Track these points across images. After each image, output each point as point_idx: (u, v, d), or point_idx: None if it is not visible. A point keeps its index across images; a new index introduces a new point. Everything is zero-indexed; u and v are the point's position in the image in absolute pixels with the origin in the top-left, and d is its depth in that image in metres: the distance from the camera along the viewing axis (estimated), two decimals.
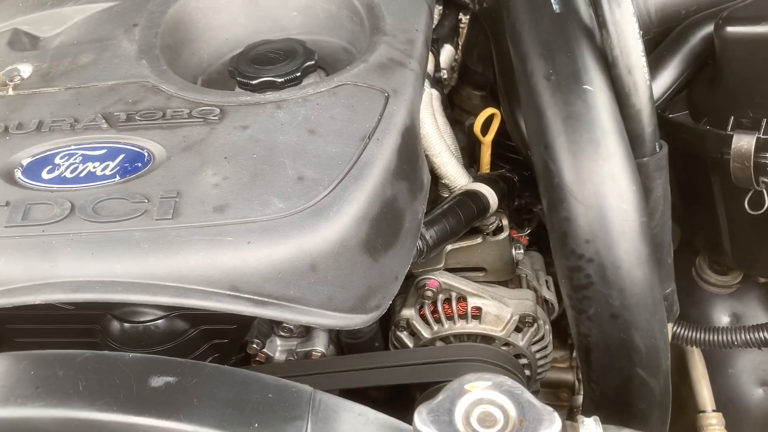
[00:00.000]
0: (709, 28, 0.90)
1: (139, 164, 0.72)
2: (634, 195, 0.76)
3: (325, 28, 0.96)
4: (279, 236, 0.64)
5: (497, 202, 0.91)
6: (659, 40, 0.99)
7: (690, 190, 1.08)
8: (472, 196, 0.88)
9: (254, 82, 0.83)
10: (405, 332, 1.00)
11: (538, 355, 1.01)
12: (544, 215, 0.86)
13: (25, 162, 0.75)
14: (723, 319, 1.23)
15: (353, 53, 0.93)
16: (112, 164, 0.73)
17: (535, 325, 0.97)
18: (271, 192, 0.67)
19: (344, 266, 0.67)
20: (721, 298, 1.22)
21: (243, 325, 0.91)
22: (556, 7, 0.84)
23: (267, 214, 0.65)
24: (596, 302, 0.77)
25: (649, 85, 0.79)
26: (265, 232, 0.65)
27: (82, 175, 0.73)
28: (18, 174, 0.74)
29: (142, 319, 0.86)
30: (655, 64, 0.94)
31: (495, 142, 1.06)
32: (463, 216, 0.86)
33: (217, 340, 0.89)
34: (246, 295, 0.65)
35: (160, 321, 0.87)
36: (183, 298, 0.64)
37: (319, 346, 0.97)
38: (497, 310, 0.96)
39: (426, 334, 0.98)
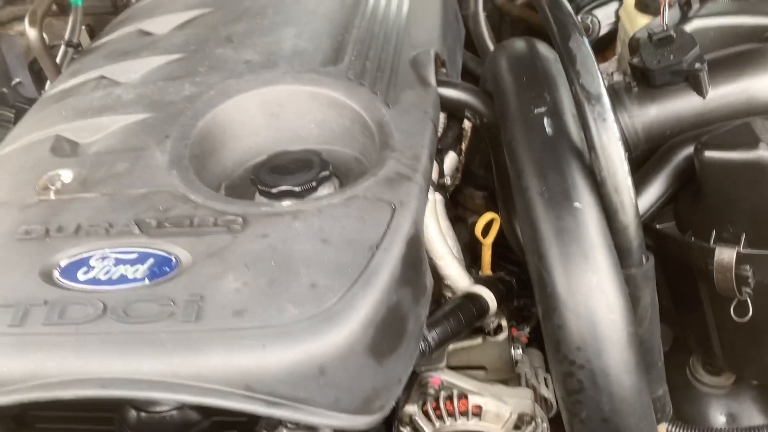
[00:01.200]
0: (691, 149, 0.98)
1: (167, 268, 0.79)
2: (622, 306, 0.82)
3: (339, 140, 1.05)
4: (292, 341, 0.70)
5: (496, 304, 0.97)
6: (647, 156, 1.08)
7: (679, 294, 1.13)
8: (472, 298, 0.95)
9: (274, 190, 0.91)
10: (408, 428, 1.04)
11: None
12: None
13: (63, 263, 0.82)
14: (719, 418, 1.26)
15: (364, 163, 1.01)
16: (142, 268, 0.80)
17: (533, 423, 1.01)
18: (287, 298, 0.73)
19: (351, 369, 0.72)
20: (716, 398, 1.25)
21: (253, 418, 0.95)
22: (549, 130, 0.93)
23: (282, 320, 0.72)
24: (588, 406, 0.82)
25: (635, 203, 0.87)
26: (279, 337, 0.71)
27: (114, 277, 0.79)
28: (56, 274, 0.81)
29: (158, 409, 0.91)
30: (642, 180, 1.01)
31: (495, 243, 1.13)
32: (463, 318, 0.92)
33: (228, 431, 0.94)
34: (260, 396, 0.70)
35: (174, 411, 0.92)
36: (202, 397, 0.70)
37: None
38: (497, 409, 1.00)
39: (428, 430, 1.02)
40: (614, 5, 1.62)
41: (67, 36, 1.69)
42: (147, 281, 0.78)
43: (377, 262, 0.78)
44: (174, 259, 0.80)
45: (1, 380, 0.73)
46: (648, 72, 1.03)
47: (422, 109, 1.02)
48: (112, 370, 0.71)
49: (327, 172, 0.94)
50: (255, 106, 1.05)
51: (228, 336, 0.71)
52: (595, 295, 0.81)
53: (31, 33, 1.53)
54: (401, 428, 1.04)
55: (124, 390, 0.70)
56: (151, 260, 0.80)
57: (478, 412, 1.00)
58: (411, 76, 1.09)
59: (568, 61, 0.91)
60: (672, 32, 1.05)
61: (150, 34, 1.30)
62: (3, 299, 0.78)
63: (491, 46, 1.55)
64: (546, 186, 0.87)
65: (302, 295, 0.74)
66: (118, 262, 0.81)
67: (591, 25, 1.57)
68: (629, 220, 0.87)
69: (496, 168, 1.08)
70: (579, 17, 1.60)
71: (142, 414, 0.90)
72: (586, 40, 0.93)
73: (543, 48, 1.10)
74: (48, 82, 1.73)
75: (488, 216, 1.09)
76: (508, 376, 1.04)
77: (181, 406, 0.92)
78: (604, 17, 1.58)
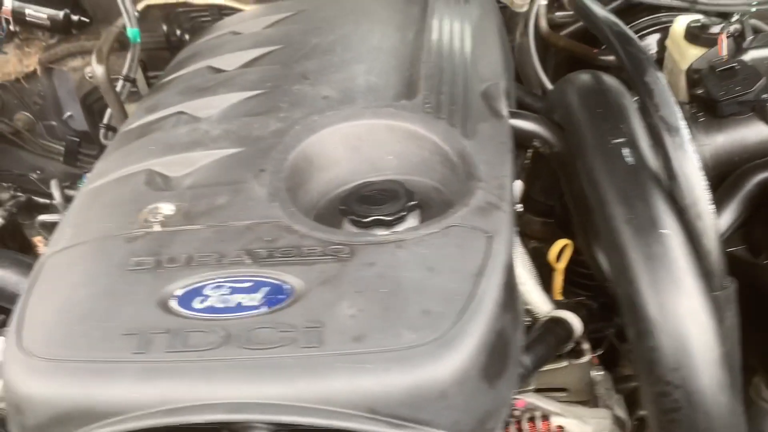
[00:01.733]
0: (763, 175, 1.02)
1: (282, 296, 0.83)
2: (713, 327, 0.85)
3: (416, 170, 1.09)
4: (413, 365, 0.74)
5: (581, 328, 1.00)
6: (714, 182, 1.12)
7: (746, 315, 1.17)
8: (558, 323, 0.98)
9: (366, 220, 0.96)
10: None
11: None
12: (616, 340, 0.95)
13: (178, 293, 0.86)
14: None
15: (444, 193, 1.05)
16: (257, 296, 0.83)
17: None
18: (402, 324, 0.77)
19: (468, 393, 0.76)
20: None
21: None
22: (629, 159, 0.97)
23: (400, 345, 0.75)
24: (683, 425, 0.85)
25: (717, 229, 0.91)
26: (400, 361, 0.74)
27: (231, 305, 0.83)
28: (173, 304, 0.85)
29: None
30: (716, 206, 1.05)
31: (566, 269, 1.17)
32: (555, 342, 0.95)
33: None
34: (383, 418, 0.74)
35: None
36: (329, 419, 0.73)
37: None
38: (579, 429, 1.03)
39: None
40: (655, 36, 1.67)
41: (125, 71, 1.75)
42: (265, 308, 0.82)
43: (482, 289, 0.81)
44: (288, 287, 0.84)
45: (130, 405, 0.77)
46: (715, 103, 1.07)
47: (499, 140, 1.07)
48: (239, 395, 0.75)
49: (415, 202, 0.99)
50: (337, 140, 1.10)
51: (350, 360, 0.75)
52: (688, 318, 0.85)
53: (98, 69, 1.59)
54: None
55: (253, 414, 0.74)
56: (265, 288, 0.84)
57: None
58: (483, 109, 1.13)
59: (646, 94, 0.96)
60: (735, 64, 1.10)
61: (220, 70, 1.36)
62: (125, 328, 0.82)
63: (543, 77, 1.61)
64: (633, 214, 0.91)
65: (417, 322, 0.77)
66: (234, 290, 0.85)
67: None
68: (712, 245, 0.91)
69: (571, 195, 1.12)
70: None
71: None
72: (661, 74, 0.98)
73: (610, 80, 1.15)
74: (108, 115, 1.79)
75: (561, 242, 1.13)
76: (587, 397, 1.07)
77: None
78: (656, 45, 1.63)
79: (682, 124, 0.93)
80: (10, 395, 0.83)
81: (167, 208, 0.99)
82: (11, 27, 1.89)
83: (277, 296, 0.83)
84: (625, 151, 0.98)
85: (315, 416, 0.73)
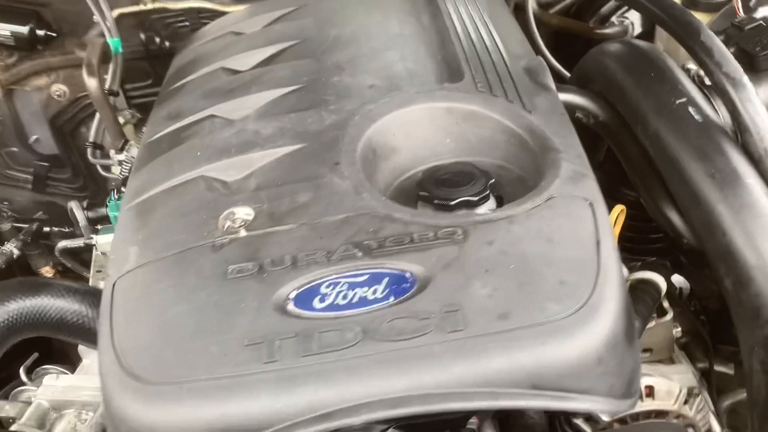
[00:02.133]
0: None
1: (406, 285, 0.80)
2: None
3: (476, 151, 1.08)
4: (567, 336, 0.73)
5: (665, 287, 1.03)
6: None
7: None
8: (647, 283, 1.00)
9: (452, 203, 0.94)
10: (581, 419, 1.07)
11: (701, 423, 1.10)
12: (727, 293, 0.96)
13: (292, 295, 0.81)
14: None
15: (511, 169, 1.05)
16: (379, 288, 0.80)
17: (700, 395, 1.07)
18: (543, 297, 0.76)
19: (618, 356, 0.76)
20: None
21: (455, 429, 0.96)
22: (697, 117, 1.00)
23: (548, 317, 0.74)
24: None
25: None
26: (554, 333, 0.73)
27: (354, 300, 0.80)
28: (290, 306, 0.80)
29: None
30: None
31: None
32: (650, 303, 0.97)
33: None
34: (547, 392, 0.72)
35: None
36: (496, 401, 0.71)
37: None
38: (667, 386, 1.05)
39: (605, 417, 1.05)
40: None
41: (108, 84, 1.65)
42: (392, 299, 0.79)
43: (605, 254, 0.81)
44: (409, 276, 0.81)
45: (274, 418, 0.72)
46: (753, 58, 1.12)
47: (558, 112, 1.07)
48: (394, 390, 0.72)
49: (493, 180, 0.98)
50: (396, 127, 1.07)
51: (503, 339, 0.73)
52: None
53: (91, 83, 1.49)
54: (573, 420, 1.07)
55: (416, 406, 0.71)
56: (385, 279, 0.81)
57: (650, 392, 1.05)
58: (531, 84, 1.13)
59: (705, 54, 0.99)
60: (761, 21, 1.15)
61: (237, 71, 1.30)
62: (246, 338, 0.77)
63: (549, 55, 1.63)
64: (714, 168, 0.94)
65: (556, 293, 0.76)
66: (352, 286, 0.81)
67: (627, 27, 1.68)
68: None
69: (626, 161, 1.15)
70: (614, 20, 1.71)
71: None
72: (714, 34, 1.02)
73: (645, 45, 1.18)
74: (94, 132, 1.67)
75: (618, 208, 1.15)
76: (669, 355, 1.10)
77: (386, 429, 0.93)
78: (637, 19, 1.69)
79: (747, 79, 0.96)
80: (126, 428, 0.76)
81: (243, 212, 0.93)
82: None
83: (401, 286, 0.80)
84: (692, 110, 1.01)
85: (481, 399, 0.71)
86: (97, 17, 1.68)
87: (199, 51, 1.46)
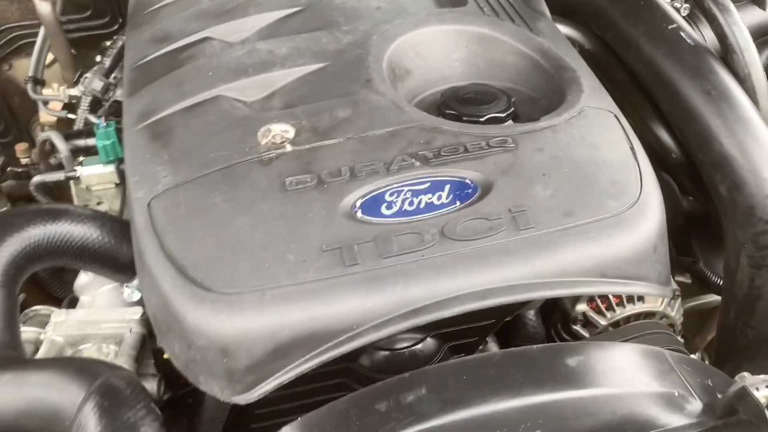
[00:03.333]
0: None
1: (469, 191, 0.83)
2: None
3: (485, 74, 1.11)
4: (628, 227, 0.79)
5: None
6: None
7: None
8: None
9: (482, 119, 0.97)
10: (579, 324, 1.16)
11: (678, 322, 1.22)
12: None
13: (358, 203, 0.81)
14: None
15: (521, 90, 1.09)
16: (443, 194, 0.82)
17: (679, 298, 1.19)
18: (601, 195, 0.82)
19: (665, 245, 0.83)
20: None
21: (483, 336, 1.01)
22: (689, 41, 1.09)
23: (609, 212, 0.80)
24: None
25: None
26: (618, 226, 0.79)
27: (421, 206, 0.81)
28: (359, 214, 0.80)
29: (404, 345, 0.94)
30: None
31: None
32: None
33: (458, 354, 0.99)
34: (613, 279, 0.78)
35: (420, 345, 0.96)
36: (574, 288, 0.77)
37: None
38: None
39: (602, 321, 1.15)
40: None
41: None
42: (458, 203, 0.81)
43: (640, 156, 0.89)
44: (470, 182, 0.83)
45: (362, 318, 0.73)
46: None
47: (560, 35, 1.13)
48: (480, 283, 0.75)
49: (514, 99, 1.02)
50: (410, 49, 1.08)
51: (572, 233, 0.78)
52: None
53: (44, 8, 1.35)
54: (573, 327, 1.16)
55: (503, 297, 0.74)
56: (447, 186, 0.83)
57: (641, 296, 1.15)
58: (528, 11, 1.18)
59: None
60: None
61: None
62: (322, 245, 0.77)
63: None
64: (710, 85, 1.04)
65: (612, 190, 0.83)
66: (415, 193, 0.82)
67: None
68: (765, 109, 1.07)
69: (614, 86, 1.22)
70: None
71: (389, 353, 0.93)
72: None
73: None
74: (33, 65, 1.52)
75: None
76: None
77: (423, 338, 0.96)
78: None
79: (732, 5, 1.06)
80: (206, 341, 0.73)
81: (280, 128, 0.91)
82: None
83: (464, 191, 0.83)
84: (683, 34, 1.10)
85: (560, 288, 0.76)
86: None
87: None
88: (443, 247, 0.76)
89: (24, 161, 1.61)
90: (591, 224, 0.79)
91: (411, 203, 0.81)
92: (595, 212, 0.80)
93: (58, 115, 1.51)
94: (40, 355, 0.90)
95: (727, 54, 1.07)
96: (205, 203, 0.83)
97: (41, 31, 1.50)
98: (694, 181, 1.13)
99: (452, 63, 1.12)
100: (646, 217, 0.81)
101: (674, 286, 0.87)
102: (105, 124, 1.12)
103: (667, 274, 0.85)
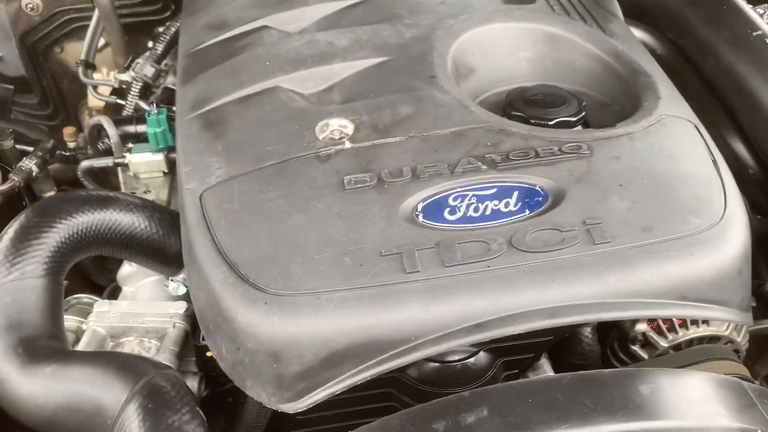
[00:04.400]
0: None
1: (539, 199, 0.77)
2: None
3: (552, 75, 1.05)
4: (713, 247, 0.73)
5: None
6: None
7: None
8: None
9: (551, 122, 0.92)
10: (638, 345, 1.10)
11: (744, 348, 1.15)
12: None
13: (420, 206, 0.77)
14: None
15: (591, 95, 1.03)
16: (511, 201, 0.77)
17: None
18: (682, 210, 0.76)
19: (749, 268, 0.77)
20: None
21: (538, 353, 0.96)
22: None
23: (692, 230, 0.74)
24: None
25: None
26: (700, 245, 0.73)
27: (487, 213, 0.76)
28: (420, 218, 0.76)
29: (457, 358, 0.89)
30: None
31: None
32: None
33: (507, 371, 0.94)
34: (692, 303, 0.72)
35: (472, 358, 0.91)
36: (649, 311, 0.71)
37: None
38: None
39: (663, 343, 1.08)
40: None
41: None
42: (527, 212, 0.76)
43: (722, 170, 0.82)
44: (540, 189, 0.78)
45: (422, 329, 0.69)
46: None
47: (633, 38, 1.06)
48: (548, 300, 0.70)
49: (585, 103, 0.96)
50: (474, 46, 1.03)
51: (650, 250, 0.72)
52: None
53: None
54: (632, 347, 1.09)
55: (574, 316, 0.69)
56: (515, 193, 0.78)
57: (705, 319, 1.08)
58: (600, 11, 1.12)
59: None
60: None
61: None
62: (381, 248, 0.72)
63: None
64: None
65: (694, 206, 0.76)
66: (481, 198, 0.77)
67: None
68: None
69: (687, 95, 1.15)
70: None
71: (441, 365, 0.88)
72: None
73: None
74: (86, 50, 1.51)
75: None
76: None
77: (476, 352, 0.91)
78: None
79: None
80: (256, 343, 0.69)
81: (338, 123, 0.87)
82: None
83: (534, 199, 0.77)
84: None
85: (635, 309, 0.70)
86: None
87: None
88: (511, 259, 0.71)
89: (71, 145, 1.61)
90: (672, 242, 0.73)
91: (476, 209, 0.76)
92: (676, 229, 0.74)
93: (106, 100, 1.50)
94: (81, 346, 0.88)
95: None
96: (259, 198, 0.79)
97: (95, 15, 1.48)
98: None
99: (519, 62, 1.07)
100: (731, 237, 0.74)
101: (750, 314, 0.80)
102: (156, 111, 1.09)
103: (749, 299, 0.78)
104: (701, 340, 1.10)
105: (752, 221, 1.21)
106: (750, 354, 1.37)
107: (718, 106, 1.09)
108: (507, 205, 0.77)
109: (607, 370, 0.69)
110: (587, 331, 1.06)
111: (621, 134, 0.85)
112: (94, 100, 1.61)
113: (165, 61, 1.38)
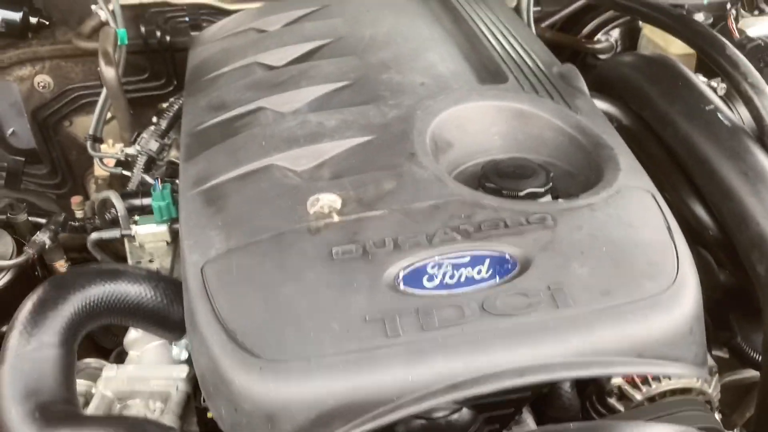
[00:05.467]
0: None
1: (508, 266, 0.85)
2: None
3: (524, 147, 1.15)
4: (665, 309, 0.81)
5: None
6: None
7: None
8: None
9: (521, 193, 1.00)
10: (614, 398, 1.16)
11: (716, 399, 1.21)
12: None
13: (401, 274, 0.85)
14: None
15: (558, 165, 1.12)
16: (483, 268, 0.85)
17: (716, 374, 1.18)
18: (637, 275, 0.84)
19: (701, 327, 0.84)
20: None
21: (518, 408, 1.02)
22: (726, 122, 1.12)
23: (646, 293, 0.82)
24: None
25: None
26: (654, 307, 0.81)
27: (462, 280, 0.84)
28: (401, 286, 0.84)
29: (441, 414, 0.95)
30: None
31: None
32: None
33: (492, 425, 1.00)
34: (649, 360, 0.80)
35: (456, 414, 0.97)
36: (611, 368, 0.78)
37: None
38: None
39: (638, 396, 1.14)
40: (620, 28, 1.88)
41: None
42: (497, 279, 0.84)
43: (677, 237, 0.91)
44: (509, 257, 0.86)
45: (403, 389, 0.76)
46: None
47: (598, 113, 1.16)
48: (518, 360, 0.77)
49: (552, 174, 1.05)
50: (451, 123, 1.13)
51: (610, 313, 0.80)
52: None
53: (108, 72, 1.44)
54: (609, 400, 1.16)
55: (541, 375, 0.76)
56: (487, 261, 0.86)
57: None
58: (567, 88, 1.22)
59: (731, 66, 1.12)
60: (760, 41, 1.30)
61: (273, 66, 1.31)
62: (364, 315, 0.80)
63: None
64: (747, 166, 1.06)
65: (648, 271, 0.85)
66: (456, 266, 0.85)
67: (612, 44, 1.82)
68: None
69: (650, 162, 1.24)
70: (601, 36, 1.85)
71: (428, 421, 0.94)
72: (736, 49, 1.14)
73: (662, 57, 1.30)
74: (94, 125, 1.61)
75: None
76: None
77: (459, 408, 0.98)
78: (619, 36, 1.84)
79: None
80: (253, 406, 0.76)
81: (328, 198, 0.95)
82: None
83: (503, 266, 0.86)
84: (720, 116, 1.13)
85: (596, 367, 0.78)
86: (96, 7, 1.63)
87: (223, 46, 1.46)
88: (483, 322, 0.79)
89: (78, 214, 1.70)
90: (628, 305, 0.81)
91: (452, 276, 0.85)
92: (632, 293, 0.82)
93: (112, 171, 1.59)
94: (91, 409, 0.95)
95: (763, 135, 1.10)
96: (255, 269, 0.87)
97: (103, 93, 1.59)
98: (731, 257, 1.14)
99: (492, 137, 1.16)
100: (682, 300, 0.82)
101: (711, 362, 0.87)
102: (161, 186, 1.18)
103: (703, 354, 0.86)
104: (674, 392, 1.17)
105: (719, 276, 1.30)
106: (728, 403, 1.44)
107: (678, 171, 1.19)
108: (479, 272, 0.85)
109: (572, 424, 0.76)
110: (566, 386, 1.12)
111: (583, 205, 0.93)
112: (100, 170, 1.71)
113: (168, 136, 1.48)
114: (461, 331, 0.78)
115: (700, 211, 1.17)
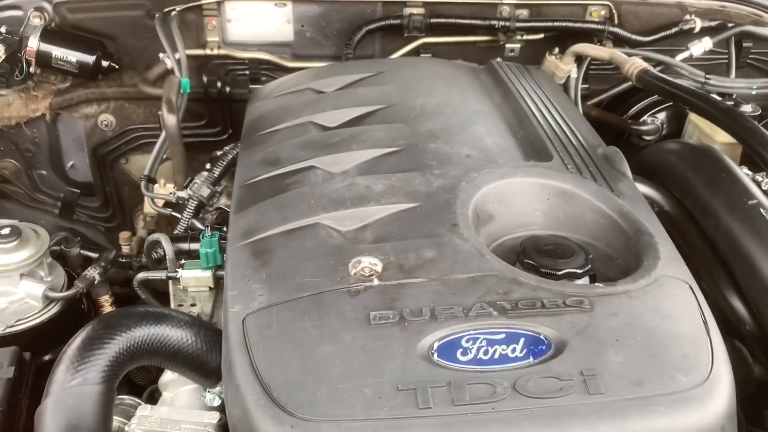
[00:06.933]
0: None
1: (543, 347, 0.86)
2: None
3: (564, 226, 1.17)
4: (698, 405, 0.81)
5: None
6: None
7: None
8: None
9: (559, 273, 1.02)
10: None
11: None
12: None
13: (435, 345, 0.86)
14: None
15: (598, 247, 1.13)
16: (518, 347, 0.86)
17: None
18: (672, 368, 0.84)
19: (733, 426, 0.84)
20: None
21: None
22: None
23: (679, 386, 0.82)
24: None
25: None
26: (686, 402, 0.81)
27: (496, 356, 0.86)
28: (435, 357, 0.85)
29: None
30: None
31: None
32: None
33: None
34: None
35: None
36: None
37: None
38: None
39: None
40: (667, 111, 1.90)
41: None
42: (531, 359, 0.85)
43: (713, 333, 0.91)
44: (544, 338, 0.87)
45: None
46: None
47: (640, 199, 1.18)
48: None
49: (591, 255, 1.07)
50: (494, 196, 1.16)
51: (640, 404, 0.80)
52: None
53: (170, 119, 1.52)
54: None
55: None
56: (522, 340, 0.87)
57: None
58: (610, 171, 1.24)
59: None
60: None
61: (325, 127, 1.37)
62: (398, 383, 0.81)
63: None
64: None
65: (682, 365, 0.85)
66: (490, 342, 0.87)
67: (659, 126, 1.84)
68: None
69: (690, 250, 1.25)
70: (647, 119, 1.87)
71: None
72: None
73: (707, 147, 1.31)
74: (150, 166, 1.68)
75: None
76: None
77: None
78: (666, 119, 1.86)
79: None
80: None
81: (369, 261, 0.98)
82: (31, 69, 1.74)
83: (538, 347, 0.87)
84: (763, 211, 1.13)
85: None
86: (164, 55, 1.73)
87: (280, 103, 1.53)
88: (514, 402, 0.80)
89: (125, 249, 1.76)
90: (660, 397, 0.81)
91: (486, 352, 0.86)
92: (665, 385, 0.82)
93: (162, 212, 1.66)
94: None
95: None
96: (294, 326, 0.90)
97: (162, 136, 1.67)
98: (767, 351, 1.13)
99: (533, 212, 1.19)
100: (715, 396, 0.82)
101: None
102: (210, 234, 1.23)
103: None
104: None
105: (753, 370, 1.28)
106: None
107: (717, 263, 1.19)
108: (514, 350, 0.86)
109: None
110: None
111: (620, 292, 0.94)
112: (149, 208, 1.78)
113: (220, 183, 1.54)
114: (492, 408, 0.79)
115: (738, 304, 1.16)
